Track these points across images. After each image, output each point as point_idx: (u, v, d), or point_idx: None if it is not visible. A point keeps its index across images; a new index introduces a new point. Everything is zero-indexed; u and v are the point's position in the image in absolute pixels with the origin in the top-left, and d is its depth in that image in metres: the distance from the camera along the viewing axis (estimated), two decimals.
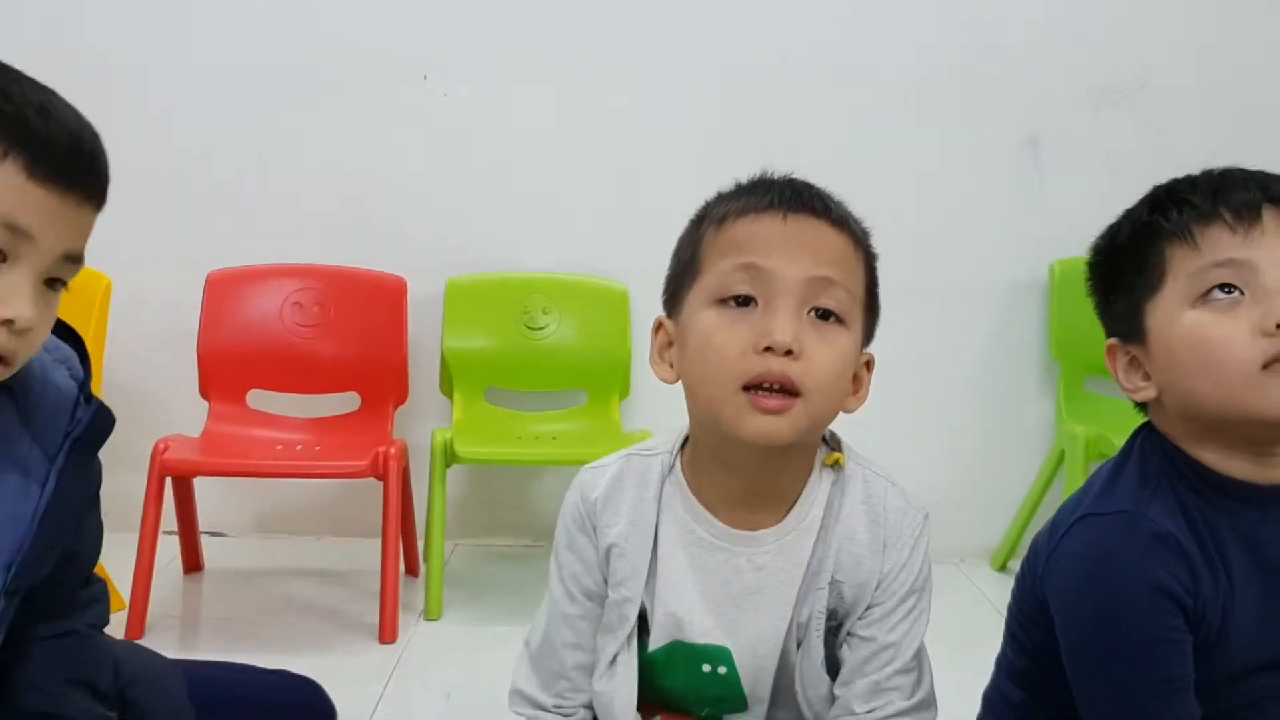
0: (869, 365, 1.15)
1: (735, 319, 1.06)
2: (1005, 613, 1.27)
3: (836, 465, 1.17)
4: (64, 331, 1.15)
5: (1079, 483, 2.01)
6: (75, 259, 1.01)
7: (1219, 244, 1.06)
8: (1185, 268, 1.07)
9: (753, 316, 1.06)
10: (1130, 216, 1.14)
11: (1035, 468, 2.63)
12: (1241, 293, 1.05)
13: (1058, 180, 2.69)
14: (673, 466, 1.18)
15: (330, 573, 2.52)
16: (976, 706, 1.32)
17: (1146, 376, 1.12)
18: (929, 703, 1.17)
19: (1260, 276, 1.04)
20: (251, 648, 2.03)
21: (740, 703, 1.18)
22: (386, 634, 2.12)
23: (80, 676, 1.16)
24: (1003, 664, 1.30)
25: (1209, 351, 1.05)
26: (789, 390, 1.05)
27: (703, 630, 1.15)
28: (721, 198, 1.15)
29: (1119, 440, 1.20)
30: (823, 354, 1.06)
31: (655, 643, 1.16)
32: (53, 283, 1.00)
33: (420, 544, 2.45)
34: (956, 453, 2.74)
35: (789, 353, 1.04)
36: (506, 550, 2.73)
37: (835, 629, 1.16)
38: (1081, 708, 1.13)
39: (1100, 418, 2.50)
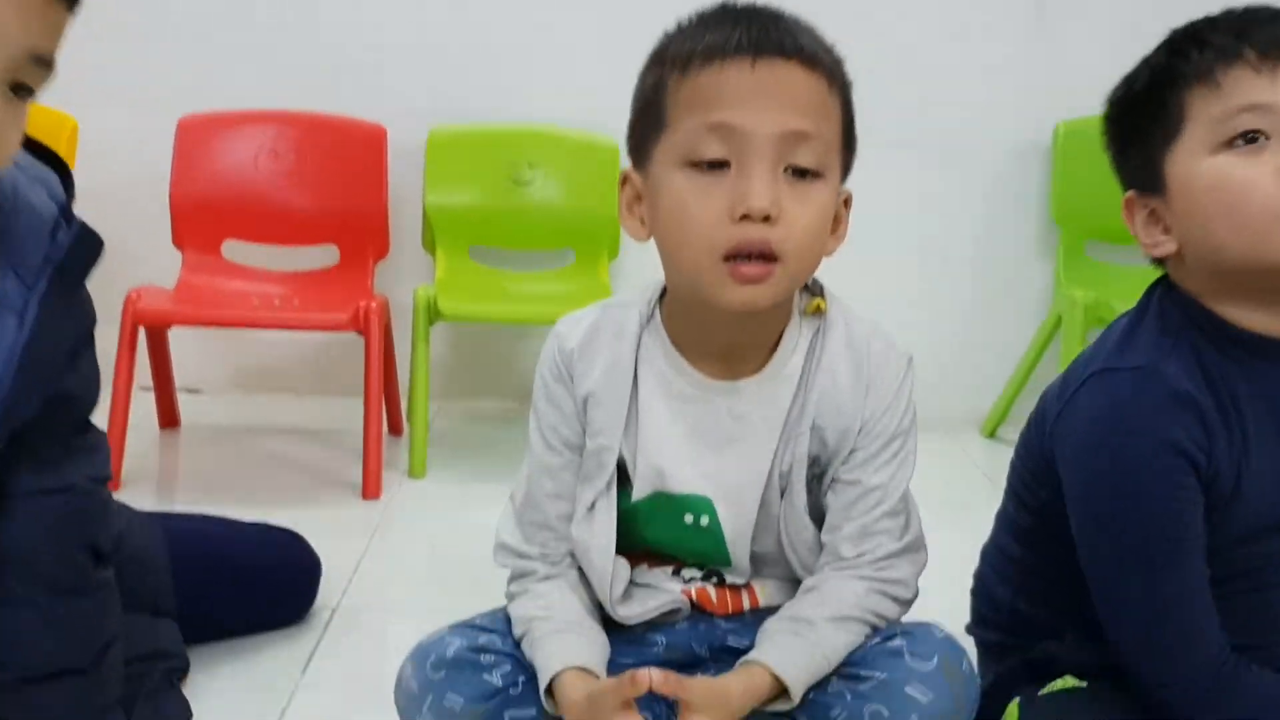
0: (847, 203, 1.12)
1: (709, 185, 1.03)
2: (997, 477, 1.25)
3: (818, 311, 1.15)
4: (44, 155, 1.06)
5: (1076, 350, 1.99)
6: (44, 62, 0.92)
7: (1243, 86, 1.01)
8: (1208, 112, 1.02)
9: (726, 181, 1.02)
10: (1148, 63, 1.09)
11: (1030, 335, 2.59)
12: (1266, 137, 1.00)
13: (1065, 33, 2.60)
14: (651, 317, 1.16)
15: (311, 430, 2.47)
16: (969, 565, 1.30)
17: (1166, 230, 1.08)
18: (918, 545, 1.16)
19: None
20: (231, 503, 1.98)
21: (724, 555, 1.16)
22: (370, 490, 2.09)
23: (78, 535, 1.10)
24: (1003, 520, 1.28)
25: (1233, 197, 1.01)
26: (768, 256, 1.02)
27: (684, 480, 1.14)
28: (682, 32, 1.08)
29: (1120, 306, 1.18)
30: (801, 215, 1.03)
31: (638, 494, 1.15)
32: (19, 90, 0.91)
33: (404, 404, 2.41)
34: (950, 317, 2.70)
35: (766, 218, 1.01)
36: (491, 412, 2.69)
37: (819, 476, 1.15)
38: (1087, 567, 1.11)
39: (1100, 283, 2.46)
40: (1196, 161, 1.03)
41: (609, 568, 1.14)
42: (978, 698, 1.12)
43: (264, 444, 2.38)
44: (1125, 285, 1.19)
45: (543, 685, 1.06)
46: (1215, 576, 1.07)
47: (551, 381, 1.17)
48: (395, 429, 2.45)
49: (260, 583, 1.52)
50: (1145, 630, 1.08)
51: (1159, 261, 1.11)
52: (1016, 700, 1.20)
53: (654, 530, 1.17)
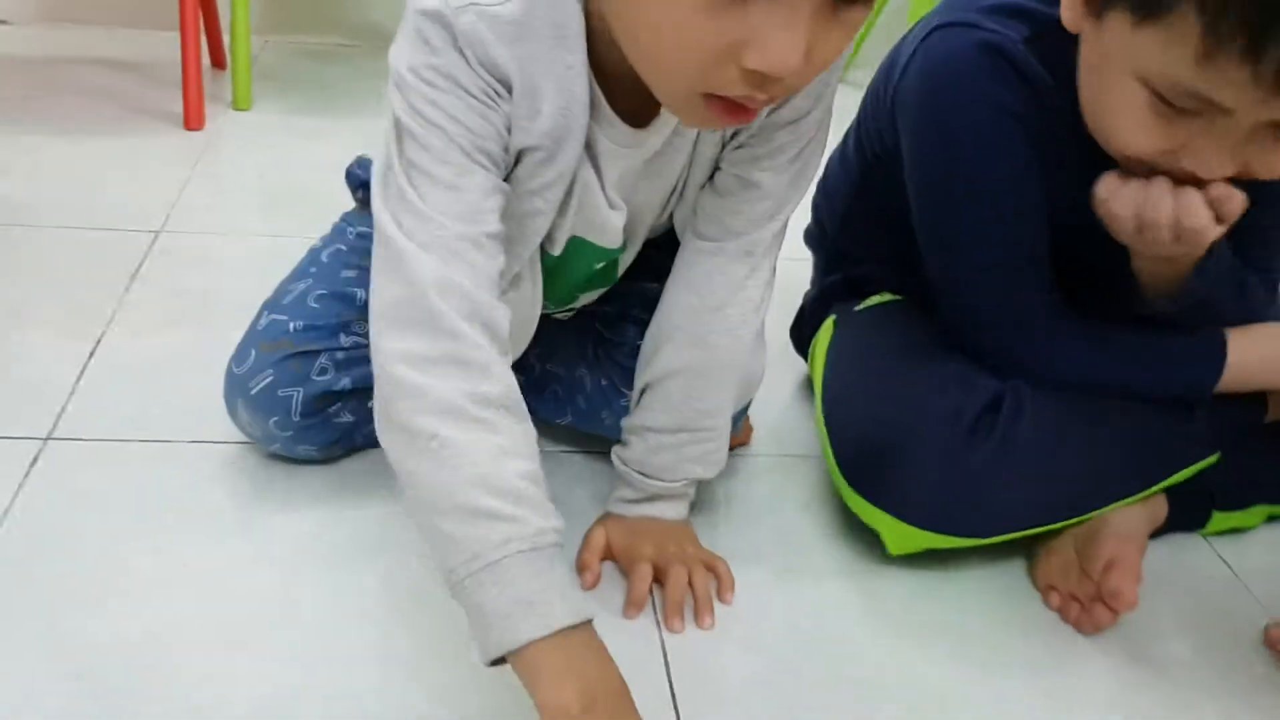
0: None
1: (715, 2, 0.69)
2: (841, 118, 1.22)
3: None
4: None
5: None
6: None
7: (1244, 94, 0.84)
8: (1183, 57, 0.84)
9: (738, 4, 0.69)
10: None
11: None
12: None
13: None
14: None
15: (128, 63, 2.35)
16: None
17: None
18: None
19: None
20: (45, 134, 1.92)
21: (608, 283, 1.11)
22: (192, 120, 2.02)
23: None
24: (842, 157, 1.28)
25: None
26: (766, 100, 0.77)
27: (603, 231, 0.99)
28: None
29: None
30: (826, 53, 0.73)
31: (555, 248, 0.98)
32: None
33: (226, 38, 2.30)
34: None
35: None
36: (319, 48, 2.60)
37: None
38: (923, 239, 1.12)
39: None
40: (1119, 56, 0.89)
41: (525, 344, 1.04)
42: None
43: (78, 76, 2.26)
44: None
45: (520, 640, 0.77)
46: None
47: (474, 94, 0.82)
48: (218, 62, 2.35)
49: None
50: (973, 300, 1.09)
51: None
52: (832, 317, 1.28)
53: (560, 282, 1.04)
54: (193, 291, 1.47)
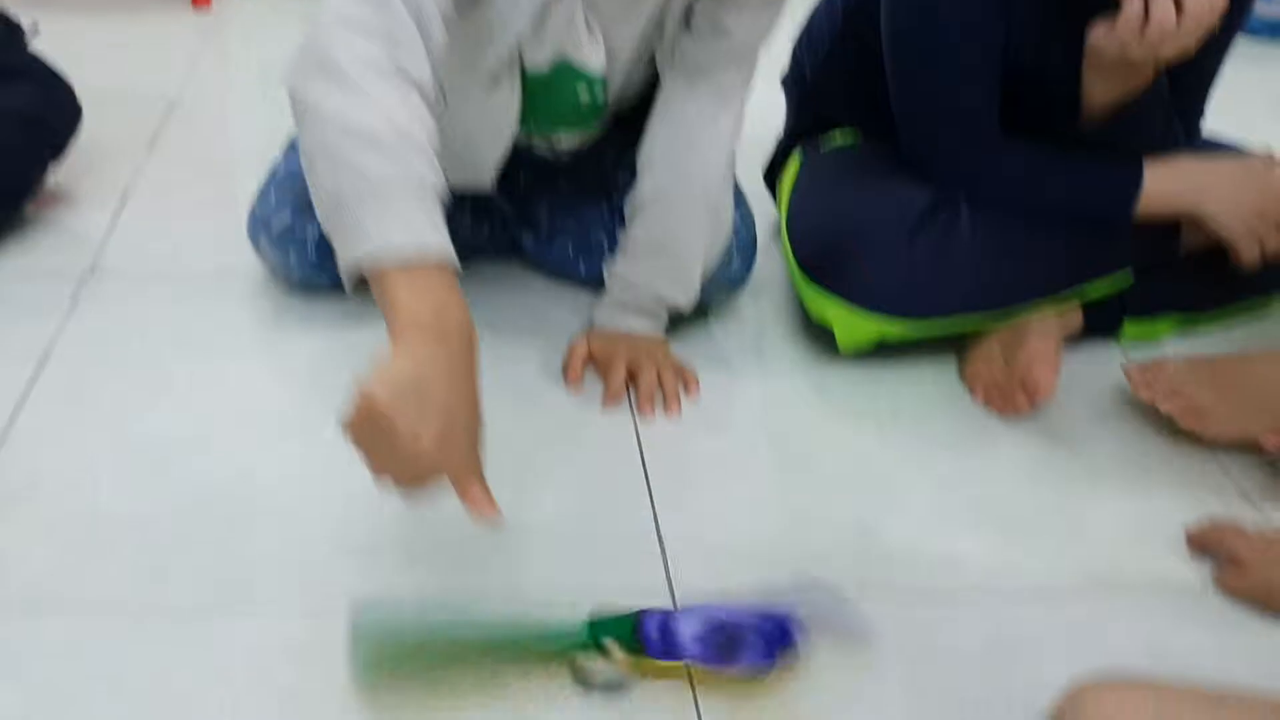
0: None
1: None
2: None
3: None
4: None
5: None
6: None
7: None
8: None
9: None
10: None
11: None
12: None
13: None
14: None
15: None
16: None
17: None
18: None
19: None
20: (56, 8, 2.02)
21: (593, 124, 1.24)
22: None
23: None
24: (822, 11, 1.42)
25: None
26: None
27: (585, 54, 1.13)
28: None
29: None
30: None
31: (537, 66, 1.13)
32: None
33: None
34: None
35: None
36: None
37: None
38: (892, 74, 1.25)
39: None
40: None
41: (498, 154, 1.16)
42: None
43: None
44: None
45: (392, 250, 0.82)
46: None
47: None
48: None
49: None
50: (930, 128, 1.25)
51: None
52: (798, 151, 1.41)
53: (545, 105, 1.16)
54: (211, 154, 1.61)
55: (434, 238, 0.83)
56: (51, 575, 0.94)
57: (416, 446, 0.76)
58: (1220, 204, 1.23)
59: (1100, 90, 1.18)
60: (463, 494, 0.81)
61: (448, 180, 0.88)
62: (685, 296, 1.24)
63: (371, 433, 0.76)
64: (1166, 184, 1.24)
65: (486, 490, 0.82)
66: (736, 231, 1.27)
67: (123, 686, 0.84)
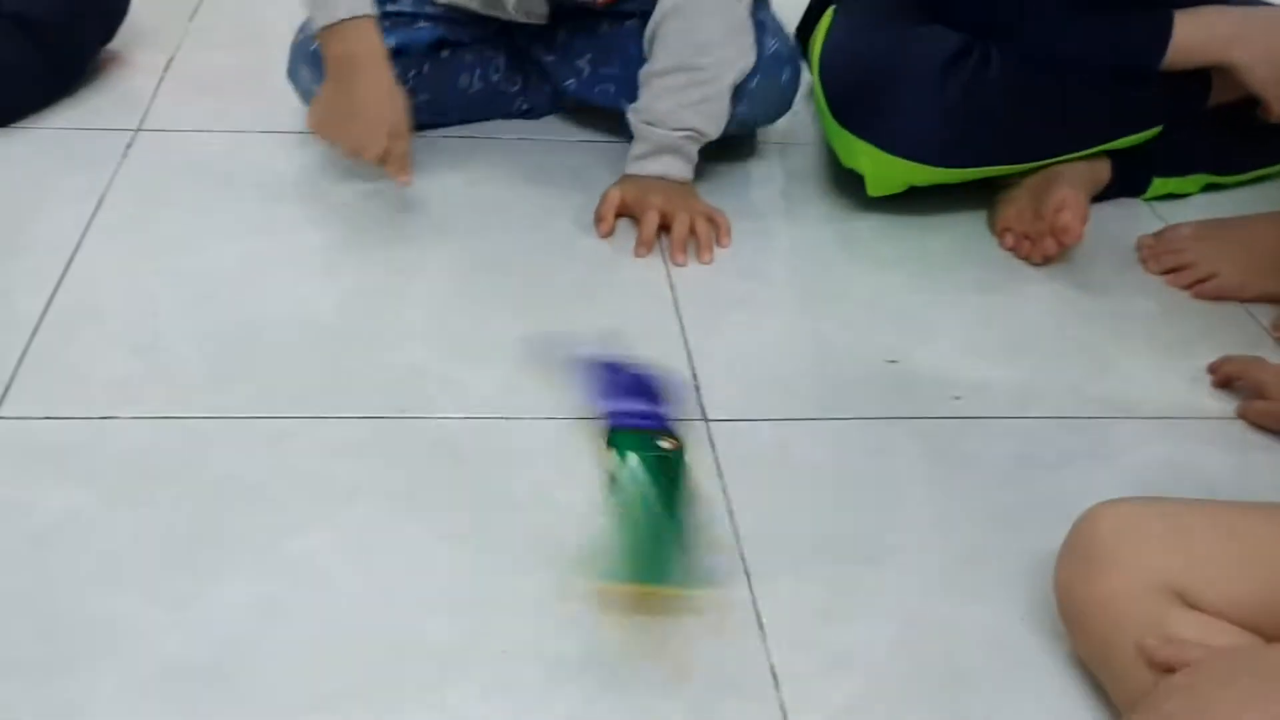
0: None
1: None
2: None
3: None
4: None
5: None
6: None
7: None
8: None
9: None
10: None
11: None
12: None
13: None
14: None
15: None
16: None
17: None
18: None
19: None
20: None
21: None
22: None
23: None
24: None
25: None
26: None
27: None
28: None
29: None
30: None
31: None
32: None
33: None
34: None
35: None
36: None
37: None
38: None
39: None
40: None
41: None
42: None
43: None
44: None
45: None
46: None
47: None
48: None
49: None
50: None
51: None
52: (832, 7, 1.39)
53: None
54: (252, 23, 1.63)
55: (359, 6, 1.15)
56: (120, 385, 0.99)
57: (349, 139, 1.19)
58: (1250, 54, 1.24)
59: None
60: (386, 160, 1.19)
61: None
62: (713, 125, 1.25)
63: (323, 139, 1.23)
64: (1196, 33, 1.24)
65: (405, 159, 1.19)
66: (777, 45, 1.29)
67: (192, 485, 0.89)
